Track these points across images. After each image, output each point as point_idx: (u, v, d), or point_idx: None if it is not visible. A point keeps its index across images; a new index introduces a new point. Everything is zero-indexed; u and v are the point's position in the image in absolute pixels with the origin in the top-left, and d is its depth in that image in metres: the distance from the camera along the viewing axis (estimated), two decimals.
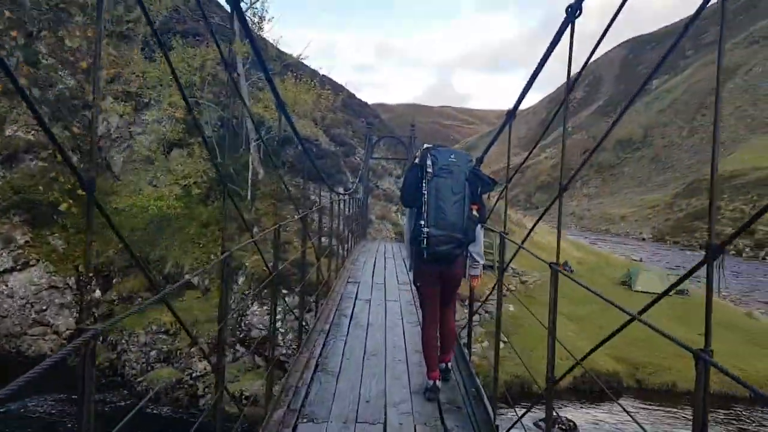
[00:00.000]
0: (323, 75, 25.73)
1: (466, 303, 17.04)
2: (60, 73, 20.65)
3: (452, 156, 4.24)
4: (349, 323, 6.26)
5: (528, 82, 3.10)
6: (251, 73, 18.25)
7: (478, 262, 4.74)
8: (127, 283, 18.89)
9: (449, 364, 4.80)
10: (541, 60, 2.75)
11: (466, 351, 5.61)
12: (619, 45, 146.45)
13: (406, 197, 4.36)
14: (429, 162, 4.15)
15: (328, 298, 7.53)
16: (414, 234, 4.21)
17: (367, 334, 5.81)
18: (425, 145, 4.43)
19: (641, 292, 23.51)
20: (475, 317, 19.15)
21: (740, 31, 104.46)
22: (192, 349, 15.34)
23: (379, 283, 9.08)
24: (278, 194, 18.42)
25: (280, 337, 15.04)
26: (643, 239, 58.35)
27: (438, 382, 4.44)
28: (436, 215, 4.07)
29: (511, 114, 3.66)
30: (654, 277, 23.90)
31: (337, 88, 27.51)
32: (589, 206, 79.46)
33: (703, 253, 1.62)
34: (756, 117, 78.84)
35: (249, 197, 18.14)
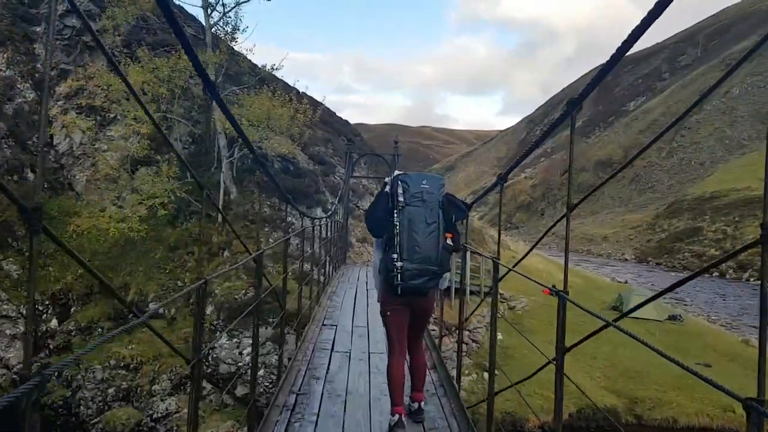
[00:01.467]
0: (302, 91, 24.49)
1: (453, 330, 15.60)
2: (19, 86, 19.31)
3: (424, 182, 3.93)
4: (322, 392, 4.96)
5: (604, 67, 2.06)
6: (225, 86, 17.09)
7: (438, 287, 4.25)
8: (86, 311, 17.50)
9: (422, 404, 4.35)
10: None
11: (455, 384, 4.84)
12: (596, 68, 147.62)
13: (375, 227, 4.04)
14: (400, 190, 3.87)
15: (297, 350, 6.25)
16: (386, 267, 3.88)
17: (345, 411, 4.50)
18: (396, 172, 4.12)
19: (634, 318, 22.53)
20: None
21: (714, 55, 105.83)
22: (153, 387, 13.96)
23: (361, 327, 7.71)
24: (252, 215, 17.19)
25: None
26: (626, 260, 57.78)
27: (404, 417, 4.07)
28: (409, 248, 3.79)
29: (575, 103, 2.65)
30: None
31: (316, 105, 26.31)
32: (570, 226, 78.97)
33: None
34: (734, 138, 79.29)
35: (220, 219, 16.85)
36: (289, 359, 5.78)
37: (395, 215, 3.82)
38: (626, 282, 38.34)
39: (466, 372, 16.63)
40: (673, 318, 23.11)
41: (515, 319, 20.09)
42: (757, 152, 67.79)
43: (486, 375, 16.76)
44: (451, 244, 3.93)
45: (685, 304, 32.97)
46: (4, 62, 19.31)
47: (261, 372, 13.66)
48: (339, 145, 27.40)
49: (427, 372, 4.75)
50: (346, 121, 40.52)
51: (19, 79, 19.43)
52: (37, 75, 19.76)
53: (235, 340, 14.16)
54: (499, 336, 19.18)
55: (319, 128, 26.49)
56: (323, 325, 7.55)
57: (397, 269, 3.77)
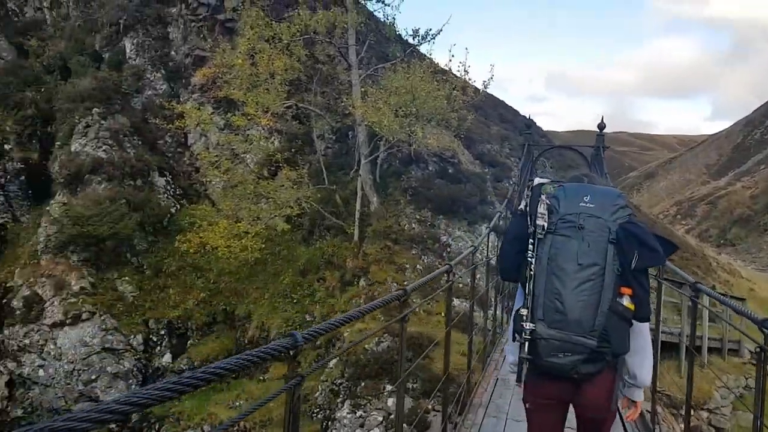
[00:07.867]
0: (461, 66, 18.20)
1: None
2: (149, 75, 17.14)
3: (587, 197, 2.21)
4: None
5: None
6: (369, 64, 13.10)
7: (633, 383, 2.35)
8: (204, 345, 14.57)
9: None
10: None
11: None
12: None
13: (505, 265, 2.41)
14: (542, 209, 2.21)
15: None
16: (513, 329, 2.29)
17: None
18: (537, 180, 2.33)
19: None
20: None
21: None
22: None
23: None
24: (395, 233, 12.88)
25: None
26: None
27: None
28: (547, 302, 2.16)
29: None
30: None
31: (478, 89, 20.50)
32: None
33: None
34: None
35: (356, 237, 12.86)
36: None
37: (530, 247, 2.19)
38: None
39: None
40: None
41: None
42: None
43: None
44: (630, 306, 2.13)
45: None
46: (133, 48, 17.26)
47: None
48: (519, 145, 22.46)
49: None
50: (532, 120, 35.16)
51: (149, 68, 17.27)
52: (171, 63, 17.49)
53: (360, 413, 9.98)
54: None
55: (494, 123, 21.77)
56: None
57: (526, 334, 2.18)
